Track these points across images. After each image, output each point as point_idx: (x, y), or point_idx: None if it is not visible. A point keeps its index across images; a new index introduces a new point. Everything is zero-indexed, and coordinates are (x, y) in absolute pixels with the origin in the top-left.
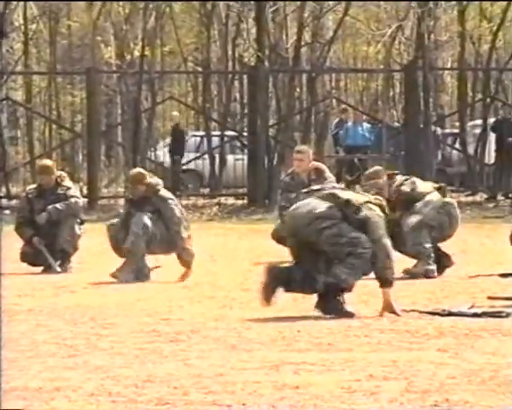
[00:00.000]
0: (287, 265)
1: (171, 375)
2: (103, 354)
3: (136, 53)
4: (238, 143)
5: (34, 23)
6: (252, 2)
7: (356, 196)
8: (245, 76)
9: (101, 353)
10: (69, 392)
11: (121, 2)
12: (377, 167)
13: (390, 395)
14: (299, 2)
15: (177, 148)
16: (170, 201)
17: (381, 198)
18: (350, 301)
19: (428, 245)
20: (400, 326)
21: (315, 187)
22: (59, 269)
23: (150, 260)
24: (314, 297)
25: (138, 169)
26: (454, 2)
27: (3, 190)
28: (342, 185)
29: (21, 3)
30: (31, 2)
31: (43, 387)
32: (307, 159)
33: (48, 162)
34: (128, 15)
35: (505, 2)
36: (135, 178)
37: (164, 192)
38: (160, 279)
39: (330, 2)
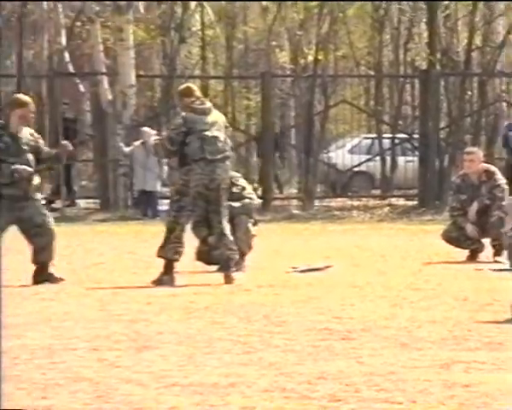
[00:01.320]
0: None
1: (342, 372)
2: (277, 351)
3: (310, 57)
4: (409, 146)
5: (211, 29)
6: (424, 6)
7: None
8: (416, 79)
9: (274, 350)
10: (244, 388)
11: (295, 8)
12: None
13: None
14: (470, 8)
15: None
16: None
17: None
18: None
19: None
20: None
21: None
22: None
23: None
24: (484, 297)
25: None
26: None
27: None
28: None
29: (199, 10)
30: (208, 8)
31: (219, 382)
32: (477, 161)
33: None
34: (302, 21)
35: None
36: None
37: None
38: (332, 279)
39: (502, 7)
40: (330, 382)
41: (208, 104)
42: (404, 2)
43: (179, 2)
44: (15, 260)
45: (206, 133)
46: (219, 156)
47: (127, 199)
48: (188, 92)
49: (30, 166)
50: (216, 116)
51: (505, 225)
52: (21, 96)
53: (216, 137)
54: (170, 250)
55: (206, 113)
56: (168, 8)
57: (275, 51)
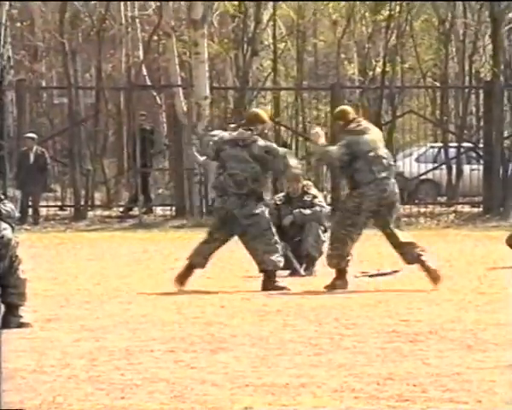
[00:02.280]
0: None
1: (410, 373)
2: (346, 352)
3: (378, 69)
4: (474, 154)
5: (283, 42)
6: (488, 19)
7: None
8: (481, 90)
9: (344, 351)
10: (314, 388)
11: (364, 22)
12: None
13: None
14: None
15: None
16: None
17: None
18: None
19: None
20: None
21: None
22: (303, 273)
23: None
24: None
25: None
26: None
27: None
28: None
29: (271, 24)
30: (280, 22)
31: (290, 383)
32: None
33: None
34: (370, 34)
35: None
36: None
37: None
38: (400, 283)
39: None
40: (398, 382)
41: (364, 123)
42: (469, 16)
43: (252, 17)
44: (90, 266)
45: (371, 154)
46: (385, 174)
47: (202, 206)
48: (341, 116)
49: None
50: (374, 133)
51: None
52: None
53: (381, 156)
54: (343, 260)
55: (365, 132)
56: (241, 22)
57: (344, 63)
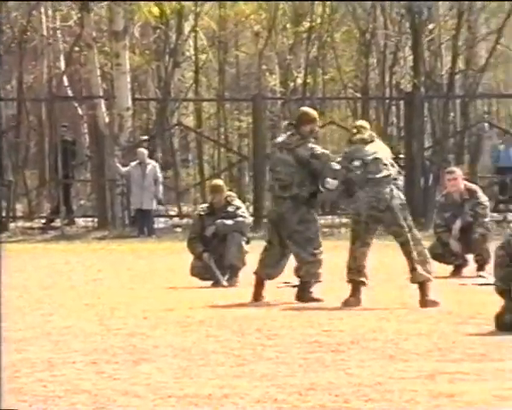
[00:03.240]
0: None
1: (332, 383)
2: (269, 363)
3: (299, 80)
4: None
5: (204, 53)
6: (408, 31)
7: None
8: (401, 102)
9: (266, 362)
10: (237, 399)
11: (285, 33)
12: None
13: None
14: (453, 32)
15: None
16: None
17: None
18: None
19: None
20: None
21: None
22: (226, 283)
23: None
24: (468, 310)
25: None
26: None
27: (176, 209)
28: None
29: (192, 35)
30: (201, 34)
31: (213, 394)
32: (459, 180)
33: (219, 182)
34: (292, 46)
35: None
36: None
37: None
38: (321, 293)
39: (483, 32)
40: (320, 393)
41: (367, 135)
42: (390, 27)
43: (174, 29)
44: (12, 277)
45: (368, 158)
46: (381, 175)
47: (124, 217)
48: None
49: None
50: (376, 146)
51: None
52: None
53: (378, 159)
54: (359, 274)
55: (365, 142)
56: (162, 34)
57: (265, 75)
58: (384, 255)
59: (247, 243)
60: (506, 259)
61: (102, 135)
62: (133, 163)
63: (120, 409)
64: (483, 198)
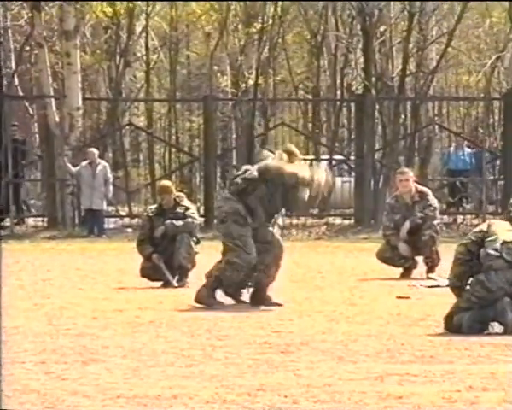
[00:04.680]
0: None
1: (281, 384)
2: (218, 363)
3: (251, 81)
4: (346, 167)
5: (155, 54)
6: (359, 33)
7: None
8: (352, 103)
9: (216, 363)
10: (186, 399)
11: (237, 34)
12: None
13: (489, 406)
14: (404, 35)
15: None
16: None
17: None
18: None
19: None
20: (499, 340)
21: None
22: (176, 284)
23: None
24: (417, 312)
25: None
26: None
27: (126, 209)
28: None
29: (143, 36)
30: (152, 34)
31: (162, 395)
32: (410, 181)
33: (168, 183)
34: (243, 47)
35: None
36: None
37: None
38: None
39: (433, 34)
40: (269, 393)
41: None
42: (341, 29)
43: (125, 29)
44: None
45: None
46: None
47: (74, 217)
48: None
49: None
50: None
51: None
52: None
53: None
54: None
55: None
56: (113, 34)
57: (217, 75)
58: (335, 257)
59: (197, 243)
60: (466, 257)
61: (53, 134)
62: (83, 163)
63: (69, 409)
64: (433, 201)
